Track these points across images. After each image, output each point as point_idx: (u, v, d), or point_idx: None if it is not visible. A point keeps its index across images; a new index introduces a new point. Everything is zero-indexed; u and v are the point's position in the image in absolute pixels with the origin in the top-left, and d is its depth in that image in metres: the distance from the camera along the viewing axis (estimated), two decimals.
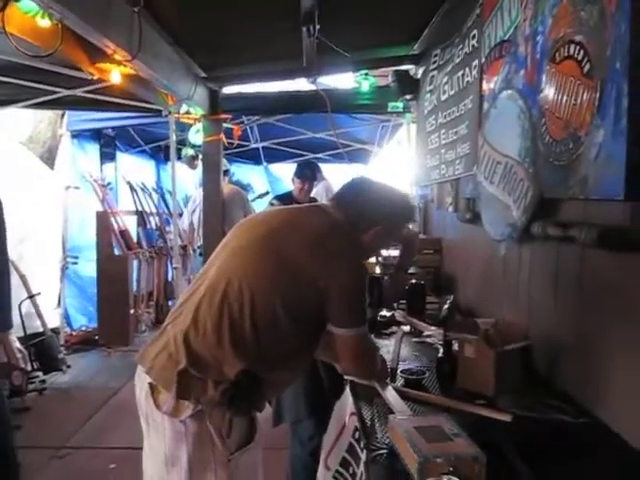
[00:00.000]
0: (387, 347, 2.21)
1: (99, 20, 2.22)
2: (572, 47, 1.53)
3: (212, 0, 2.87)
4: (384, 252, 3.01)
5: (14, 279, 4.47)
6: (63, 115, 5.90)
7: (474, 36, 2.65)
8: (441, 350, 2.01)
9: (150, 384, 1.48)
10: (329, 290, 1.50)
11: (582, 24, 1.49)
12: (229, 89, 4.82)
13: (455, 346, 1.87)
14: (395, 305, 2.79)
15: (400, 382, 1.85)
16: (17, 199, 4.54)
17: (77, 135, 5.98)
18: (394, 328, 2.52)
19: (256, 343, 1.47)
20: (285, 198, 4.12)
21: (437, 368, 1.91)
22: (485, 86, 2.46)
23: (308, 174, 4.26)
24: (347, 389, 1.81)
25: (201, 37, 3.48)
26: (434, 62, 3.54)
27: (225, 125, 4.99)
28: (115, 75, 3.36)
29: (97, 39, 2.33)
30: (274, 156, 8.21)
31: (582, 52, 1.48)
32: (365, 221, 1.68)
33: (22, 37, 2.32)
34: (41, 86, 4.41)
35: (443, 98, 3.26)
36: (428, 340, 2.38)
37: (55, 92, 4.55)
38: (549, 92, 1.68)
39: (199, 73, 4.22)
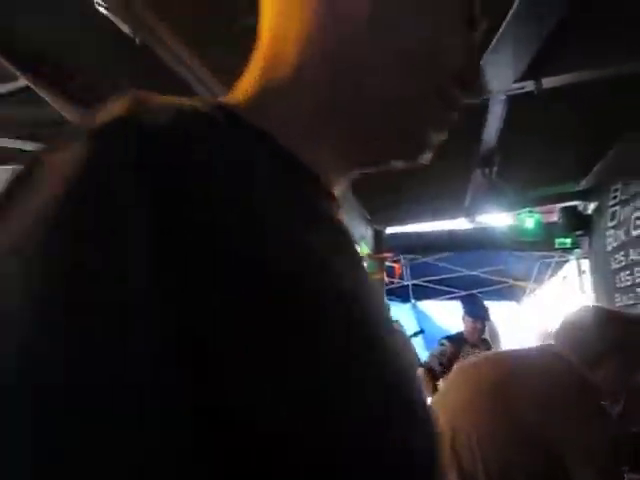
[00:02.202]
0: None
1: None
2: None
3: None
4: None
5: None
6: None
7: None
8: None
9: None
10: (568, 458, 1.31)
11: None
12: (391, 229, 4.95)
13: None
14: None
15: None
16: None
17: None
18: None
19: None
20: (456, 339, 3.93)
21: None
22: None
23: (482, 313, 4.00)
24: None
25: (374, 183, 3.66)
26: (614, 197, 3.42)
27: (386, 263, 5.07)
28: None
29: None
30: (423, 293, 7.98)
31: None
32: (595, 353, 1.47)
33: None
34: None
35: (635, 234, 3.07)
36: None
37: None
38: None
39: (365, 214, 4.41)
